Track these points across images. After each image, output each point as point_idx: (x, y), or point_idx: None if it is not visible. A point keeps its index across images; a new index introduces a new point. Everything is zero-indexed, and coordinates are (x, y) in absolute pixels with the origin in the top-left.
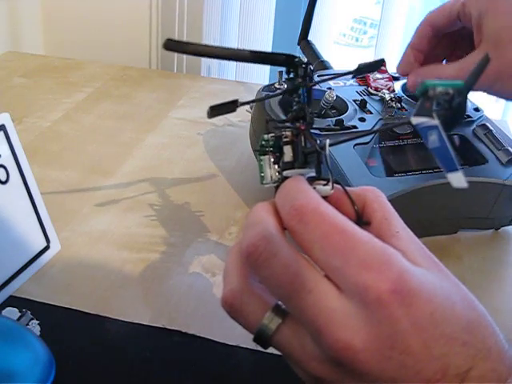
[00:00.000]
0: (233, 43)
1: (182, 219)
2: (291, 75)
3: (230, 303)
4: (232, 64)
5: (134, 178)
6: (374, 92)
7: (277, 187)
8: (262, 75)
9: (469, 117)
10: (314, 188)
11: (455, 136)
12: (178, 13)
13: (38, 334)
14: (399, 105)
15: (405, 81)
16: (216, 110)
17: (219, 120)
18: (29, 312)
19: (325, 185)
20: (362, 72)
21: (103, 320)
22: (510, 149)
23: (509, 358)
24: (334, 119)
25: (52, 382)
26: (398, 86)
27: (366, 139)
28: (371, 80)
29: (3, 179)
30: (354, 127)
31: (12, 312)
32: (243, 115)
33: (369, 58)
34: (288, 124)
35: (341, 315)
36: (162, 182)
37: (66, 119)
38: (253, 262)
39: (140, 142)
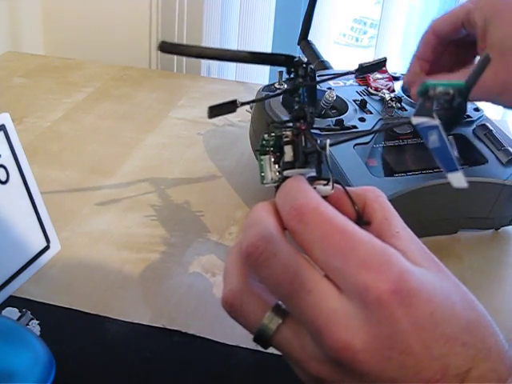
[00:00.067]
0: (233, 43)
1: (182, 219)
2: (292, 75)
3: (230, 303)
4: (232, 64)
5: (133, 177)
6: (374, 92)
7: (277, 187)
8: (261, 75)
9: (469, 117)
10: (315, 188)
11: (450, 136)
12: (177, 13)
13: (38, 334)
14: (399, 105)
15: None
16: (215, 111)
17: (219, 120)
18: (29, 312)
19: (325, 185)
20: (365, 71)
21: (103, 320)
22: (509, 149)
23: (509, 358)
24: (334, 119)
25: (52, 382)
26: (397, 85)
27: (366, 139)
28: (371, 80)
29: (3, 179)
30: (354, 127)
31: (12, 312)
32: (243, 115)
33: (369, 57)
34: (288, 124)
35: (340, 315)
36: (162, 182)
37: (66, 119)
38: (253, 261)
39: (140, 142)
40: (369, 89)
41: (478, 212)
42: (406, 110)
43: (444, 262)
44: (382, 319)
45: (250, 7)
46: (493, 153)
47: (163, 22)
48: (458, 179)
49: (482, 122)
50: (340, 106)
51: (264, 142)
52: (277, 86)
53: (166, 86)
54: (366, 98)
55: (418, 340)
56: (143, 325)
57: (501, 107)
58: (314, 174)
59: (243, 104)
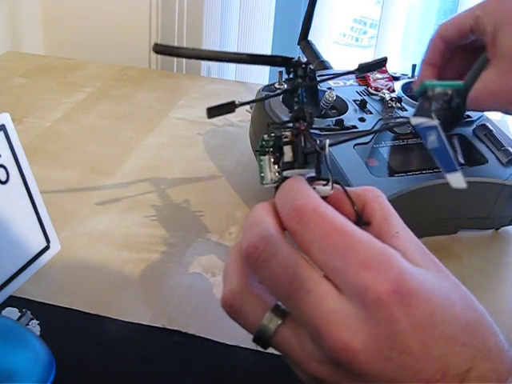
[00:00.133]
0: (233, 43)
1: (182, 219)
2: (291, 75)
3: (230, 303)
4: (232, 64)
5: (133, 177)
6: (374, 92)
7: (277, 187)
8: (261, 75)
9: (469, 117)
10: (314, 188)
11: (455, 139)
12: (177, 13)
13: (38, 334)
14: (399, 105)
15: (405, 81)
16: (214, 111)
17: (219, 120)
18: (29, 312)
19: (325, 185)
20: (365, 70)
21: (103, 320)
22: (509, 149)
23: (509, 358)
24: (334, 119)
25: (52, 382)
26: (398, 85)
27: (366, 139)
28: (371, 80)
29: (3, 179)
30: (354, 127)
31: (12, 312)
32: (243, 115)
33: (369, 57)
34: (288, 124)
35: (340, 315)
36: (162, 182)
37: (66, 119)
38: (252, 262)
39: (140, 142)
40: (369, 89)
41: (478, 212)
42: (406, 110)
43: (444, 262)
44: (382, 319)
45: (250, 7)
46: (493, 153)
47: (163, 22)
48: (456, 180)
49: (482, 122)
50: (340, 106)
51: (263, 143)
52: (277, 86)
53: (165, 86)
54: (365, 98)
55: (418, 340)
56: (143, 325)
57: None
58: (313, 174)
59: (242, 104)
